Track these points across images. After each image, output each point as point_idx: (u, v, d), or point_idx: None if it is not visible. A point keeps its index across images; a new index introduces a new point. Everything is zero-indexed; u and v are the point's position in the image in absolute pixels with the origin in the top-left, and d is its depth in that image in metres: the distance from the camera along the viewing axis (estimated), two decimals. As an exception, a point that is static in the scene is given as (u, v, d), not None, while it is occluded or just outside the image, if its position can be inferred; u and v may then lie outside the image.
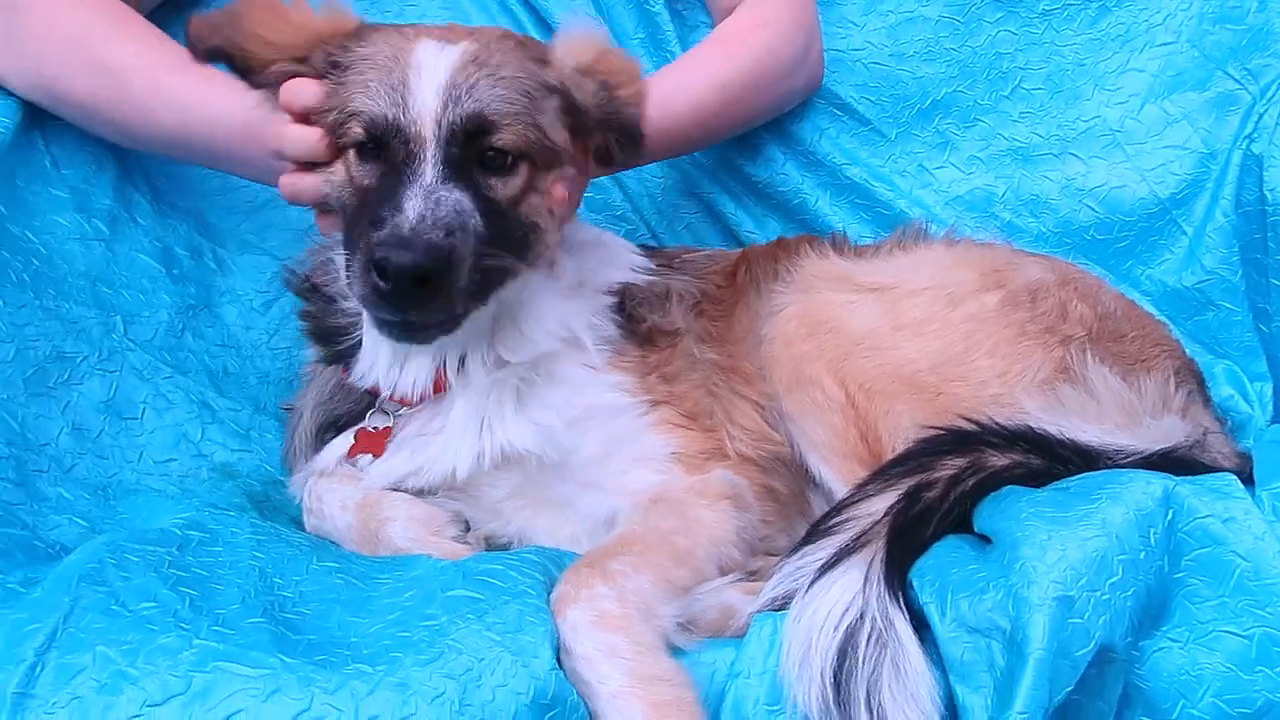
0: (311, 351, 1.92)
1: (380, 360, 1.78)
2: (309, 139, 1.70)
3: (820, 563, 1.49)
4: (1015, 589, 1.39)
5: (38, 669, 1.22)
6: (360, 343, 1.80)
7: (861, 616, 1.43)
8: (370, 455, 1.77)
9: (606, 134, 1.73)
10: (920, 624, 1.45)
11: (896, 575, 1.48)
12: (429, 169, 1.59)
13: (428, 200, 1.55)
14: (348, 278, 1.63)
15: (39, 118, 2.06)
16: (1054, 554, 1.40)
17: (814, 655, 1.40)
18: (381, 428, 1.77)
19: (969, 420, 1.63)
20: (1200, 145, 2.43)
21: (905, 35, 2.53)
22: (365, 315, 1.73)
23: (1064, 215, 2.48)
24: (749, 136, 2.49)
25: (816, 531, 1.55)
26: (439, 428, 1.76)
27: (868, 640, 1.41)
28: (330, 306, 1.83)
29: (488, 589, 1.41)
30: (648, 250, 2.03)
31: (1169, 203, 2.43)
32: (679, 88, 2.17)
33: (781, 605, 1.50)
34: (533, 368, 1.76)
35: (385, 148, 1.63)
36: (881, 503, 1.54)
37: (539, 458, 1.72)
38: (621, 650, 1.37)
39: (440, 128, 1.60)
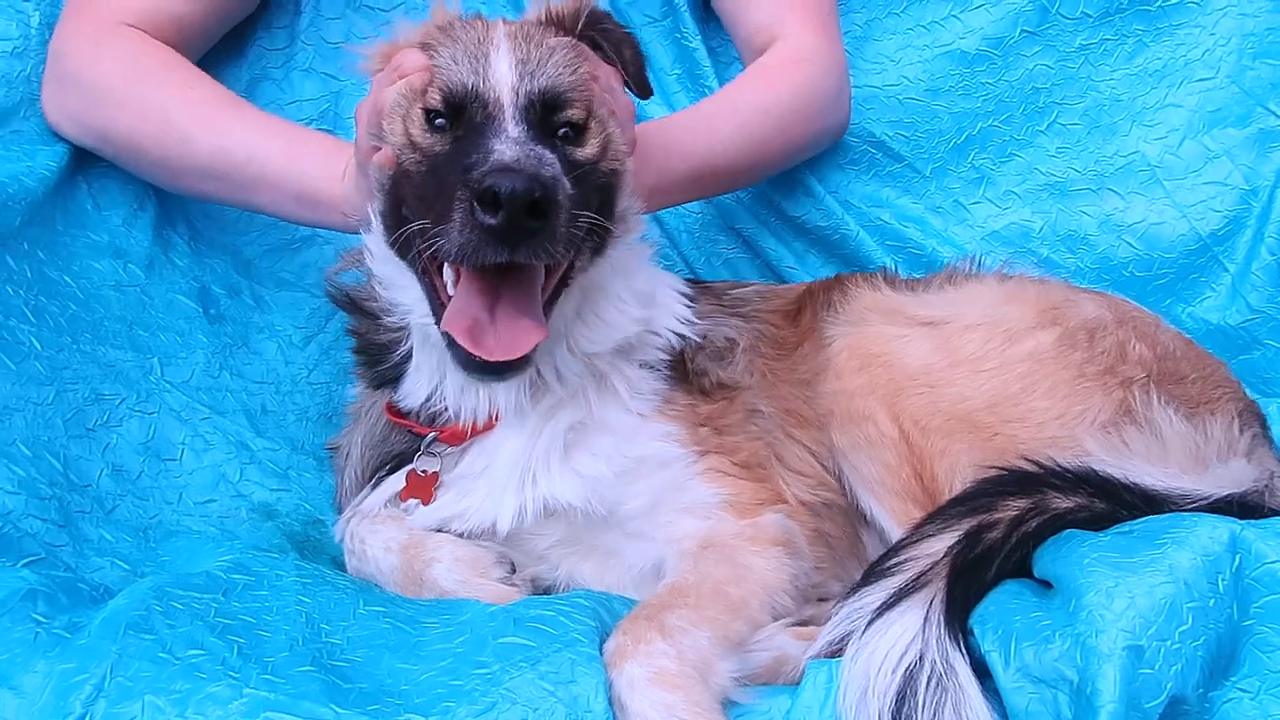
0: (358, 386, 1.90)
1: (430, 377, 1.75)
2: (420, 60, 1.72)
3: (878, 604, 1.46)
4: (1083, 638, 1.35)
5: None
6: (406, 358, 1.77)
7: (921, 659, 1.39)
8: (418, 501, 1.74)
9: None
10: (981, 671, 1.40)
11: (957, 618, 1.44)
12: (513, 128, 1.60)
13: (523, 148, 1.55)
14: (427, 242, 1.57)
15: (83, 162, 2.08)
16: (1121, 601, 1.36)
17: (872, 697, 1.36)
18: (430, 472, 1.74)
19: (1031, 461, 1.59)
20: (1241, 181, 2.41)
21: (941, 70, 2.52)
22: (428, 349, 1.73)
23: (1102, 251, 2.46)
24: (787, 173, 2.47)
25: (874, 573, 1.52)
26: (482, 469, 1.73)
27: (928, 684, 1.37)
28: (374, 323, 1.80)
29: (539, 636, 1.38)
30: (694, 285, 2.00)
31: (1210, 239, 2.41)
32: (725, 112, 2.16)
33: (837, 651, 1.46)
34: (584, 411, 1.73)
35: (461, 113, 1.64)
36: (941, 543, 1.50)
37: (583, 511, 1.69)
38: (678, 710, 1.33)
39: (518, 96, 1.63)
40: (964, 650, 1.41)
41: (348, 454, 1.88)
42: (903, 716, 1.36)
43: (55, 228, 1.98)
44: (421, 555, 1.69)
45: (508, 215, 1.48)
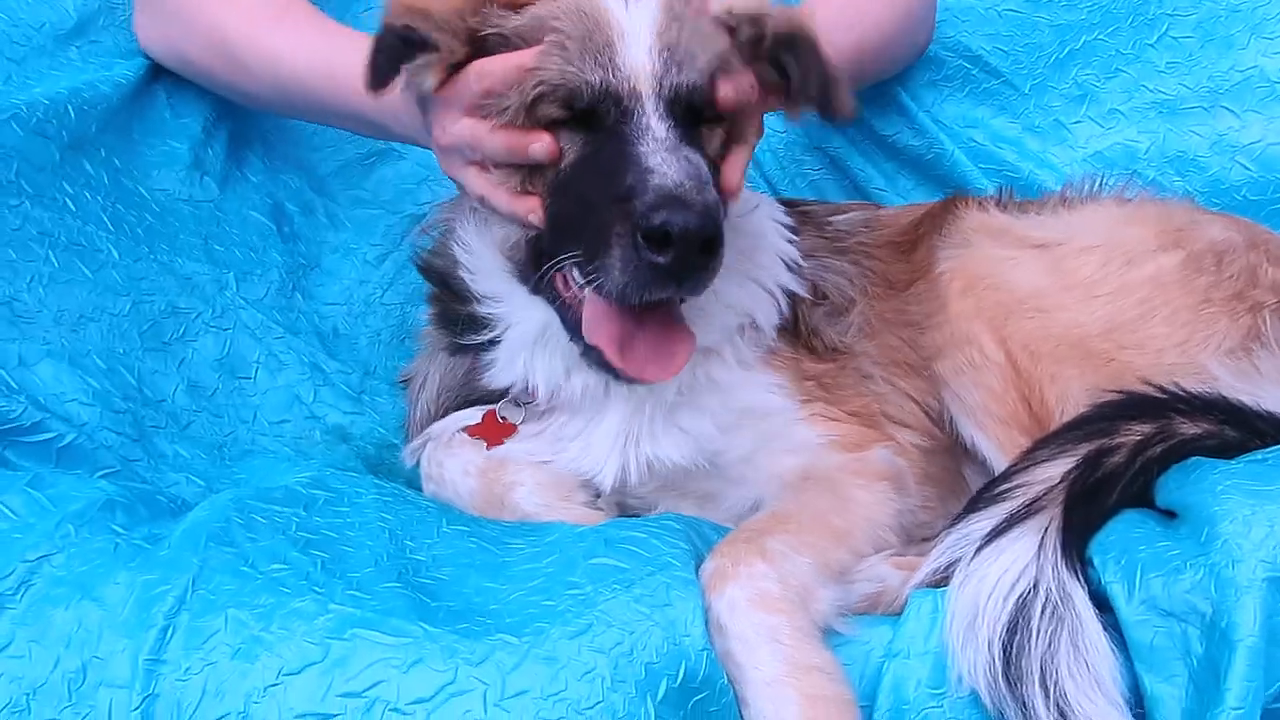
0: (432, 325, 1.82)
1: (523, 366, 1.64)
2: (507, 141, 1.50)
3: (988, 530, 1.39)
4: (1217, 568, 1.26)
5: (169, 633, 1.15)
6: (494, 340, 1.67)
7: (1035, 587, 1.32)
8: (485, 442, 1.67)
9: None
10: (1100, 603, 1.33)
11: (1075, 546, 1.36)
12: (659, 127, 1.43)
13: (677, 158, 1.39)
14: (592, 274, 1.41)
15: (161, 73, 2.03)
16: (1260, 530, 1.27)
17: (981, 626, 1.30)
18: (508, 421, 1.66)
19: (1154, 385, 1.50)
20: (1369, 98, 2.24)
21: (1042, -22, 2.37)
22: (524, 341, 1.63)
23: (1213, 174, 2.32)
24: (878, 90, 2.34)
25: (982, 499, 1.45)
26: (577, 432, 1.64)
27: (1042, 613, 1.30)
28: (462, 302, 1.69)
29: (632, 558, 1.32)
30: (793, 211, 1.87)
31: (1334, 161, 2.25)
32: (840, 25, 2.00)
33: (941, 581, 1.40)
34: (689, 375, 1.61)
35: (591, 118, 1.46)
36: (1057, 468, 1.42)
37: (683, 467, 1.61)
38: (781, 634, 1.27)
39: (662, 88, 1.45)
40: (1082, 580, 1.34)
41: (422, 384, 1.80)
42: (1014, 647, 1.29)
43: (132, 137, 1.93)
44: (502, 479, 1.62)
45: (679, 254, 1.34)
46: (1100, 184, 1.95)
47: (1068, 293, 1.66)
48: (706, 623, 1.28)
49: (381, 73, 1.48)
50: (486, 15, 1.51)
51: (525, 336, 1.63)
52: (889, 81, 2.34)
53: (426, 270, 1.76)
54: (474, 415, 1.72)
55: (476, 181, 1.56)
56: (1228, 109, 2.33)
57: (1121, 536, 1.37)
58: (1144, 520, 1.39)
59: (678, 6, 1.51)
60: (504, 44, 1.51)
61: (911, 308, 1.78)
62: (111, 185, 1.85)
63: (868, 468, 1.61)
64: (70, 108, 1.80)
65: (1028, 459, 1.46)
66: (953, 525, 1.43)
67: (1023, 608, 1.31)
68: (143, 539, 1.26)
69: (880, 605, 1.45)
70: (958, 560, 1.38)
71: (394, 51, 1.48)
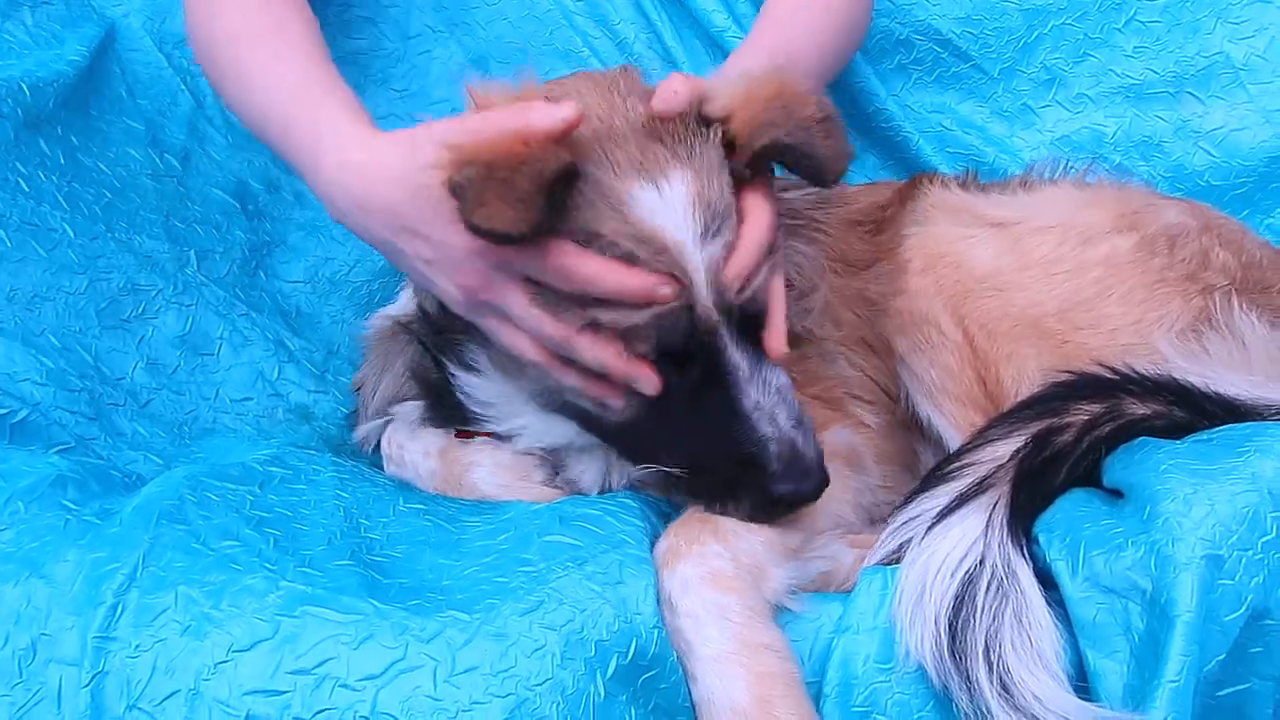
0: (373, 318, 1.76)
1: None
2: (610, 360, 1.36)
3: (938, 509, 1.40)
4: (1158, 546, 1.27)
5: (118, 610, 1.15)
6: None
7: (981, 563, 1.33)
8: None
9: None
10: (1045, 581, 1.34)
11: (1021, 524, 1.38)
12: (735, 354, 1.39)
13: (769, 394, 1.39)
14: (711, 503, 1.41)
15: (116, 46, 2.01)
16: (1200, 509, 1.28)
17: (928, 600, 1.31)
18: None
19: (1106, 366, 1.50)
20: (1334, 85, 2.25)
21: (1011, -40, 2.35)
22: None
23: (1177, 159, 2.32)
24: (845, 73, 2.31)
25: (933, 478, 1.45)
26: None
27: (987, 588, 1.31)
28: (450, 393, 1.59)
29: (586, 535, 1.32)
30: None
31: (1294, 148, 2.25)
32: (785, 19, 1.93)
33: (894, 560, 1.40)
34: None
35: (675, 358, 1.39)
36: (1006, 447, 1.43)
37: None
38: (731, 612, 1.28)
39: (731, 316, 1.39)
40: (1027, 557, 1.35)
41: (375, 392, 1.75)
42: (960, 622, 1.30)
43: (89, 113, 1.91)
44: (461, 460, 1.63)
45: (804, 501, 1.40)
46: (1062, 168, 1.95)
47: (1024, 272, 1.66)
48: (659, 600, 1.29)
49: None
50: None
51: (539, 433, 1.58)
52: (858, 62, 2.32)
53: (425, 375, 1.62)
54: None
55: (560, 329, 1.35)
56: (1192, 94, 2.33)
57: (1067, 515, 1.38)
58: (1090, 499, 1.40)
59: (709, 194, 1.37)
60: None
61: (872, 287, 1.78)
62: (68, 163, 1.82)
63: (826, 445, 1.61)
64: (24, 86, 1.78)
65: (980, 438, 1.46)
66: (904, 505, 1.44)
67: (969, 584, 1.31)
68: (94, 515, 1.26)
69: (833, 583, 1.46)
70: (910, 539, 1.39)
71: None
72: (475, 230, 1.25)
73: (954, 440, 1.66)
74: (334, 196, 1.46)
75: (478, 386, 1.55)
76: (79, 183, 1.84)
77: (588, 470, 1.59)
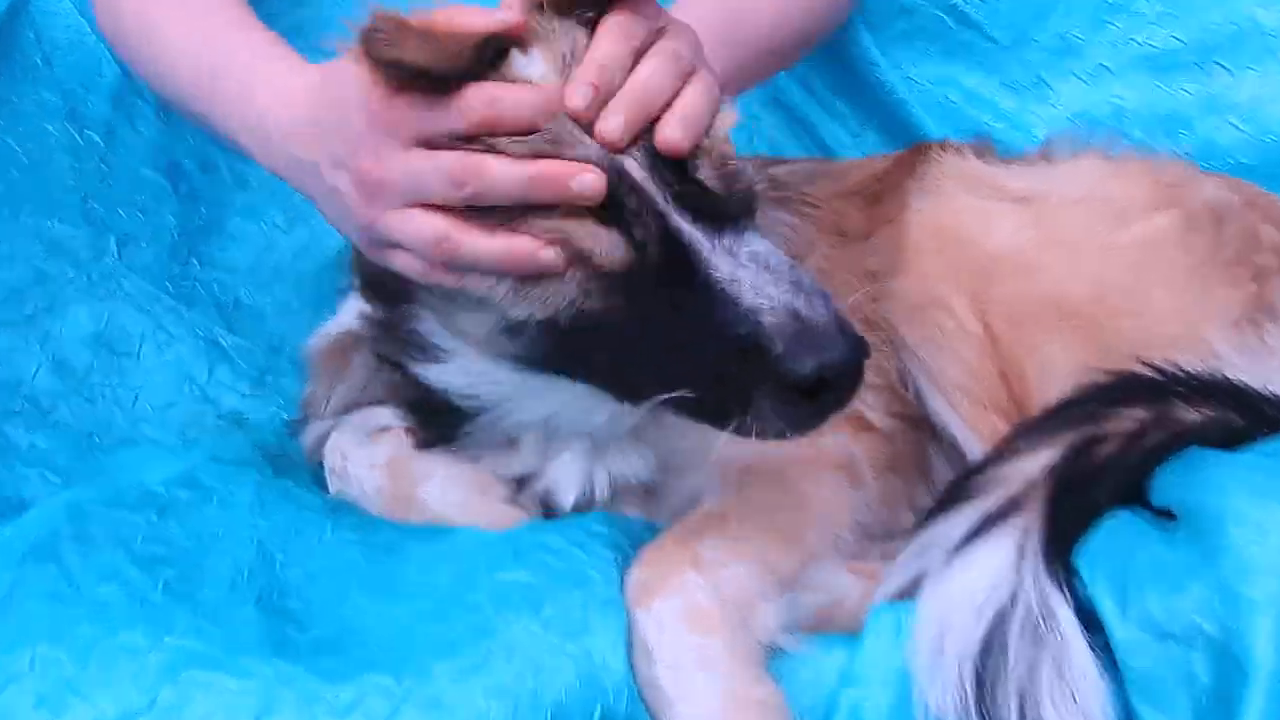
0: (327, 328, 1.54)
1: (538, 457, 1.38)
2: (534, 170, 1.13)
3: (960, 535, 1.20)
4: (1226, 582, 1.08)
5: (-43, 676, 0.94)
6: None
7: (1013, 601, 1.14)
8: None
9: None
10: (1088, 620, 1.14)
11: (1059, 553, 1.18)
12: (686, 226, 1.15)
13: (744, 262, 1.14)
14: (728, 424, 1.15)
15: (30, 11, 1.82)
16: (1277, 536, 1.09)
17: (951, 646, 1.12)
18: None
19: (1150, 365, 1.31)
20: (1374, 53, 2.10)
21: (1021, -81, 2.20)
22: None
23: (1205, 135, 2.15)
24: (845, 41, 2.14)
25: (954, 496, 1.26)
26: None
27: (1021, 633, 1.12)
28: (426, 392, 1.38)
29: (545, 572, 1.12)
30: None
31: (1333, 123, 2.11)
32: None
33: (907, 594, 1.21)
34: None
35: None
36: (1038, 460, 1.24)
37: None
38: (717, 660, 1.09)
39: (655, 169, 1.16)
40: (1067, 594, 1.15)
41: (326, 401, 1.53)
42: (988, 673, 1.11)
43: None
44: (411, 473, 1.41)
45: (838, 391, 1.13)
46: (1086, 140, 1.76)
47: (1052, 251, 1.47)
48: (630, 647, 1.09)
49: None
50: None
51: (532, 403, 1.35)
52: (858, 29, 2.15)
53: (413, 394, 1.39)
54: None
55: (438, 224, 1.13)
56: (1220, 65, 2.16)
57: (1113, 543, 1.18)
58: (1138, 524, 1.21)
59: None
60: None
61: (871, 258, 1.58)
62: None
63: (820, 456, 1.41)
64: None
65: (1006, 448, 1.27)
66: (920, 528, 1.24)
67: (998, 626, 1.12)
68: (-56, 555, 1.05)
69: (835, 621, 1.26)
70: (926, 569, 1.20)
71: None
72: (382, 63, 1.08)
73: (973, 447, 1.47)
74: (268, 131, 1.29)
75: (450, 371, 1.33)
76: None
77: (566, 476, 1.37)
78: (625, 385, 1.24)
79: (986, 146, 1.73)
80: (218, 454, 1.44)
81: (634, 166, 1.14)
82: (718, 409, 1.15)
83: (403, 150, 1.13)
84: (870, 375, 1.50)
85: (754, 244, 1.16)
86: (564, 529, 1.22)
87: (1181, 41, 2.16)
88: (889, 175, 1.67)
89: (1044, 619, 1.13)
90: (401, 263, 1.20)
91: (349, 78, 1.14)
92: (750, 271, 1.13)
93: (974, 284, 1.48)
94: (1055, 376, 1.41)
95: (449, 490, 1.39)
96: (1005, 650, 1.11)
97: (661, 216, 1.14)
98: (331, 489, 1.50)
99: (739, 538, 1.22)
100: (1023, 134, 2.12)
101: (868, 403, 1.51)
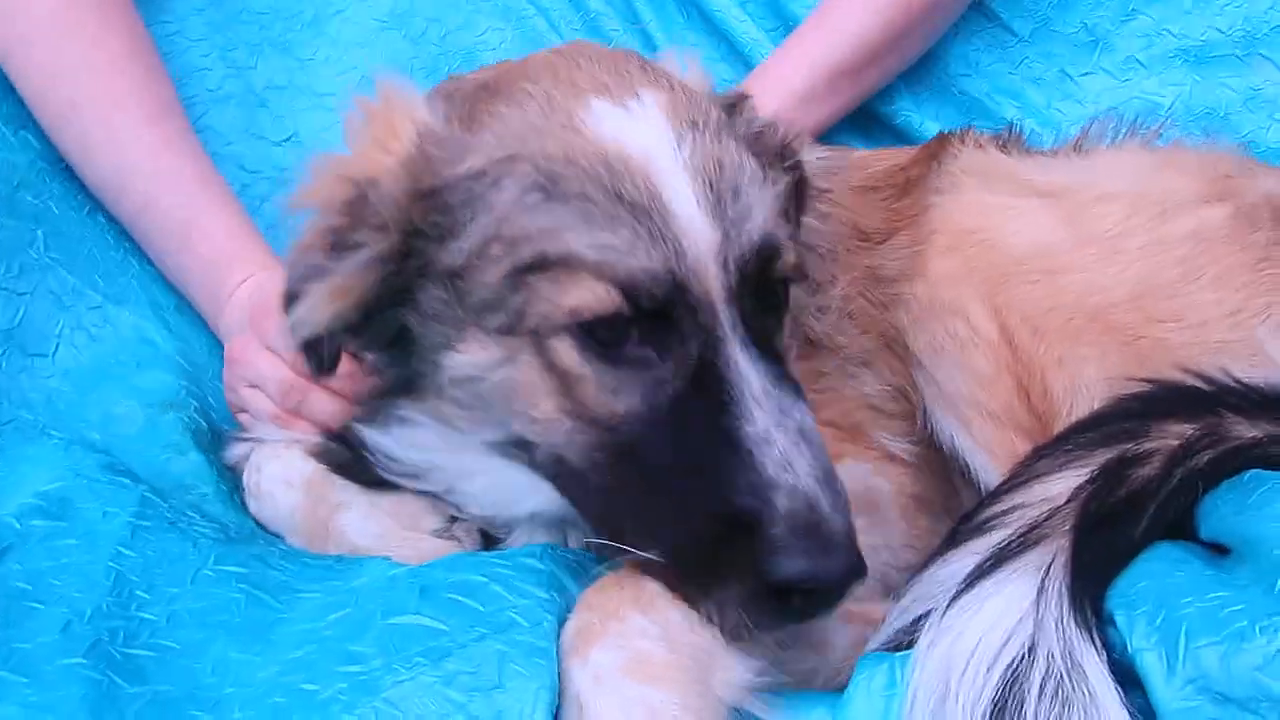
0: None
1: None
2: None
3: (967, 571, 1.04)
4: (1302, 635, 0.89)
5: None
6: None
7: (1031, 651, 0.99)
8: None
9: None
10: (1123, 675, 0.98)
11: (1088, 594, 1.03)
12: (743, 363, 1.01)
13: (789, 437, 0.99)
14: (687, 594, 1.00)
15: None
16: (1363, 580, 0.91)
17: (954, 705, 0.97)
18: None
19: (1196, 374, 1.17)
20: None
21: (1045, -96, 2.08)
22: None
23: (1248, 133, 2.01)
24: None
25: (963, 530, 1.10)
26: None
27: (1041, 690, 0.97)
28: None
29: (457, 614, 0.94)
30: None
31: (1388, 120, 1.97)
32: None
33: (905, 643, 1.04)
34: None
35: (654, 320, 1.02)
36: (1062, 484, 1.09)
37: None
38: (665, 716, 0.90)
39: (727, 274, 1.02)
40: (1098, 644, 0.99)
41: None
42: (1001, 736, 0.97)
43: None
44: (329, 497, 1.23)
45: (819, 602, 0.98)
46: (1127, 129, 1.62)
47: (1083, 250, 1.33)
48: (560, 705, 0.91)
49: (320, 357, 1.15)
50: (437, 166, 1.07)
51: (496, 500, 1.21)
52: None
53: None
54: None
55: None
56: (1264, 57, 2.04)
57: (1155, 582, 1.02)
58: (1186, 559, 1.05)
59: (699, 116, 1.08)
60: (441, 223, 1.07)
61: (889, 263, 1.42)
62: None
63: None
64: None
65: (1024, 471, 1.12)
66: (923, 568, 1.07)
67: (1014, 682, 0.97)
68: None
69: (819, 676, 1.08)
70: (928, 613, 1.03)
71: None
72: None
73: (985, 469, 1.33)
74: (218, 302, 1.59)
75: (406, 439, 1.17)
76: None
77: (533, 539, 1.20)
78: (609, 516, 1.06)
79: (1013, 138, 1.58)
80: (114, 464, 1.26)
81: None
82: (688, 577, 0.99)
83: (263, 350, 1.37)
84: (888, 401, 1.32)
85: (803, 415, 1.00)
86: (490, 564, 1.03)
87: (1221, 32, 2.04)
88: (914, 167, 1.52)
89: (1069, 673, 0.97)
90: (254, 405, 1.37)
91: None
92: (790, 439, 0.98)
93: (991, 287, 1.35)
94: (1085, 389, 1.28)
95: (370, 519, 1.21)
96: (1021, 711, 0.95)
97: (719, 339, 1.00)
98: (250, 509, 1.34)
99: None
100: (1052, 131, 1.97)
101: (890, 438, 1.34)
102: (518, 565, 1.03)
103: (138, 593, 0.95)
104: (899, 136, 2.00)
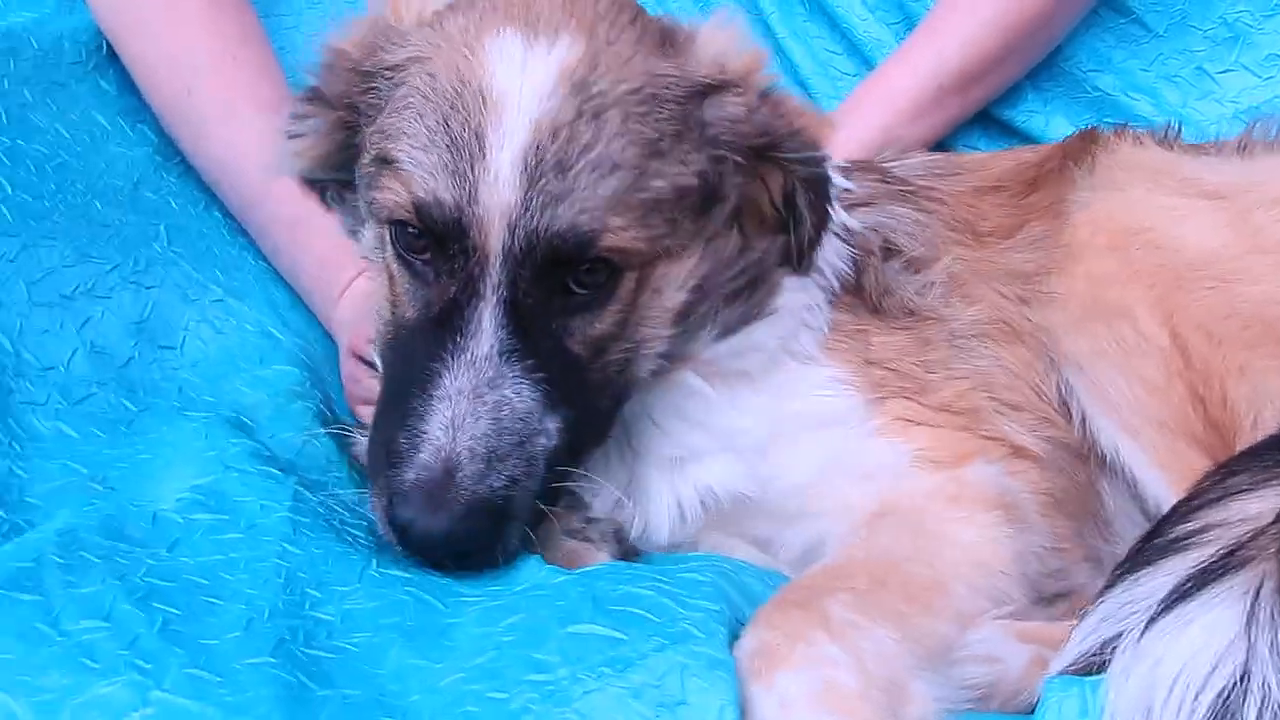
0: None
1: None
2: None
3: (1166, 591, 0.97)
4: None
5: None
6: None
7: (1244, 678, 0.92)
8: None
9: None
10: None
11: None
12: (487, 323, 1.05)
13: (474, 406, 1.04)
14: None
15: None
16: None
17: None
18: None
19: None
20: None
21: (1185, -108, 1.97)
22: None
23: None
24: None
25: (1153, 545, 1.02)
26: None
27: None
28: None
29: (632, 625, 0.91)
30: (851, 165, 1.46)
31: None
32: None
33: (1094, 665, 0.98)
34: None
35: (441, 248, 1.09)
36: (1261, 503, 1.01)
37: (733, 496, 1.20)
38: None
39: (513, 238, 1.05)
40: None
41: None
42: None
43: (51, 68, 1.63)
44: None
45: (425, 552, 1.04)
46: None
47: (1260, 256, 1.26)
48: (743, 722, 0.87)
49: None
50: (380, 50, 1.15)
51: None
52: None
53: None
54: None
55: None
56: None
57: None
58: None
59: (589, 74, 1.07)
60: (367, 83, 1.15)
61: (1020, 255, 1.35)
62: (13, 121, 1.53)
63: (966, 491, 1.16)
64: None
65: (1218, 488, 1.04)
66: (1112, 584, 1.00)
67: (1225, 712, 0.90)
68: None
69: (998, 698, 1.02)
70: (1119, 635, 0.96)
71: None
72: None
73: (1156, 482, 1.25)
74: (329, 295, 1.61)
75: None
76: (24, 139, 1.55)
77: (652, 505, 1.18)
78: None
79: (1171, 134, 1.50)
80: (259, 451, 1.24)
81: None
82: (369, 457, 1.12)
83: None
84: (1014, 394, 1.27)
85: (517, 395, 1.05)
86: (654, 576, 1.00)
87: (1370, 27, 1.93)
88: (1048, 163, 1.44)
89: (1290, 702, 0.89)
90: None
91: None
92: (468, 409, 1.04)
93: (1161, 291, 1.27)
94: (1272, 401, 1.19)
95: None
96: (1237, 742, 0.88)
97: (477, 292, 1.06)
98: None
99: (875, 597, 0.99)
100: (1191, 131, 1.82)
101: (1016, 428, 1.27)
102: (679, 578, 1.00)
103: (309, 591, 0.93)
104: (1023, 138, 1.91)
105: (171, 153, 1.69)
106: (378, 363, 1.27)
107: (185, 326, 1.50)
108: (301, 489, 1.12)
